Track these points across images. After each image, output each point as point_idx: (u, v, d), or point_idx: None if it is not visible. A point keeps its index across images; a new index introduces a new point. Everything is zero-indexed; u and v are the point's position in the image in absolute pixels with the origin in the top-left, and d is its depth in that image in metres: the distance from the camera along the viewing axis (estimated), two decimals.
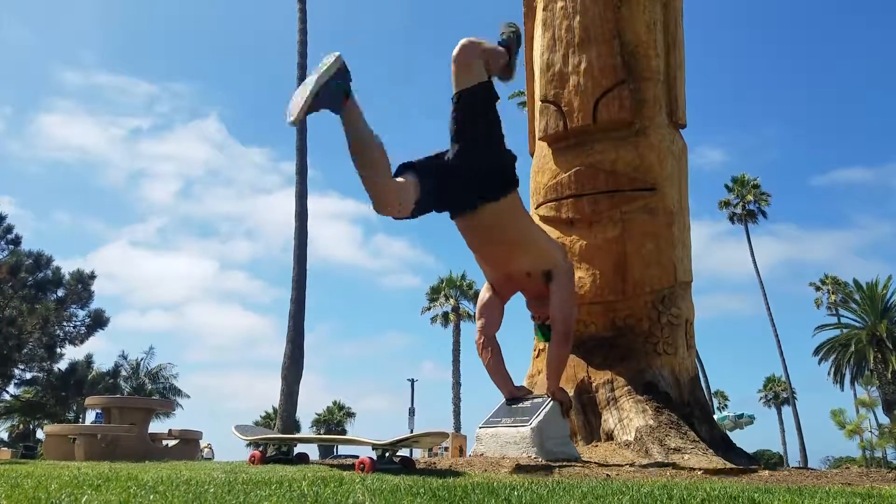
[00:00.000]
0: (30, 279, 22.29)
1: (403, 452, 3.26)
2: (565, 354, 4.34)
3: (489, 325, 4.53)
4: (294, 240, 19.80)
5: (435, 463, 3.89)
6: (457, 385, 37.90)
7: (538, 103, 5.51)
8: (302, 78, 21.30)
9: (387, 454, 3.02)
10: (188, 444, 8.90)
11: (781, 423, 50.94)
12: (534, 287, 4.38)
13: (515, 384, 4.60)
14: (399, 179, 3.52)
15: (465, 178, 3.85)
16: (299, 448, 3.64)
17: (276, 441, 3.38)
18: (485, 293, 4.59)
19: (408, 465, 3.21)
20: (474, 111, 3.81)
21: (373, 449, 2.99)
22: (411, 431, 3.18)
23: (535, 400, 4.36)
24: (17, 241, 22.90)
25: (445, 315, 39.99)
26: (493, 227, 4.04)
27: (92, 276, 23.87)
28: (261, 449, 3.38)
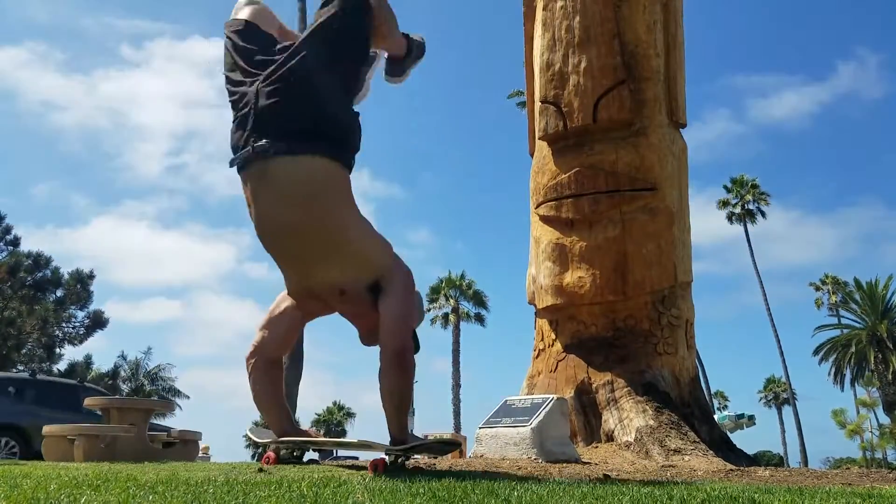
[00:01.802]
0: (29, 279, 22.30)
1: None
2: (403, 384, 2.91)
3: (270, 343, 3.20)
4: None
5: (435, 463, 3.89)
6: (457, 385, 37.88)
7: (538, 103, 5.50)
8: None
9: (399, 459, 3.00)
10: (187, 445, 8.88)
11: (782, 423, 50.96)
12: (354, 308, 3.08)
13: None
14: None
15: (279, 100, 2.79)
16: (309, 455, 3.65)
17: (289, 445, 3.39)
18: (282, 300, 3.23)
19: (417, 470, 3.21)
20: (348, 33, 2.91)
21: (386, 454, 2.98)
22: (411, 432, 3.09)
23: (535, 400, 4.36)
24: (16, 242, 22.92)
25: (445, 316, 39.97)
26: (299, 206, 2.82)
27: (91, 276, 23.90)
28: (273, 449, 3.39)
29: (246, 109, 2.85)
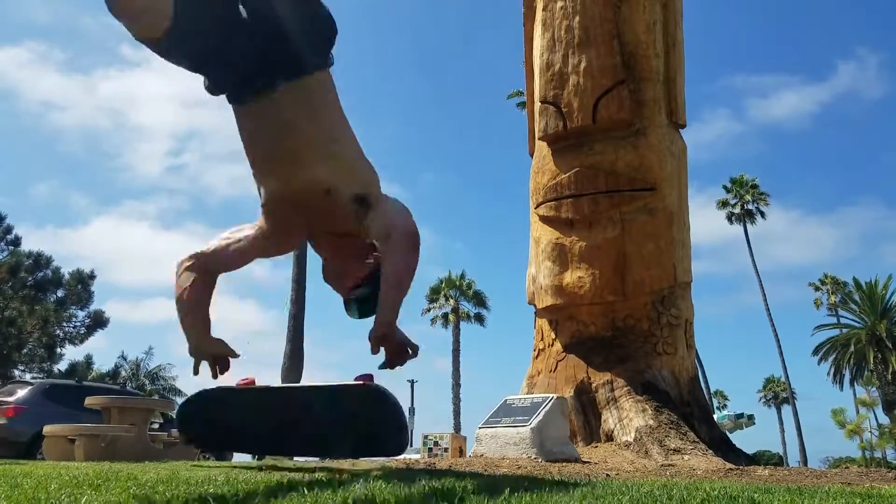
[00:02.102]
0: (30, 279, 22.31)
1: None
2: (411, 264, 2.84)
3: (218, 254, 3.04)
4: None
5: (435, 463, 3.90)
6: (457, 385, 37.90)
7: (538, 103, 5.51)
8: None
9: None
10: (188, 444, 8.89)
11: (781, 423, 51.02)
12: (332, 221, 2.99)
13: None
14: None
15: (270, 33, 2.76)
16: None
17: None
18: (246, 227, 3.13)
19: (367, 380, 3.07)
20: None
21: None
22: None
23: (535, 400, 4.37)
24: (16, 242, 22.93)
25: (445, 316, 39.96)
26: (293, 119, 2.84)
27: (91, 277, 23.91)
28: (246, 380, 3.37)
29: (221, 46, 2.77)
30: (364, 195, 2.89)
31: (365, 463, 3.16)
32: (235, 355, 3.03)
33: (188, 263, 2.99)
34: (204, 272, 3.00)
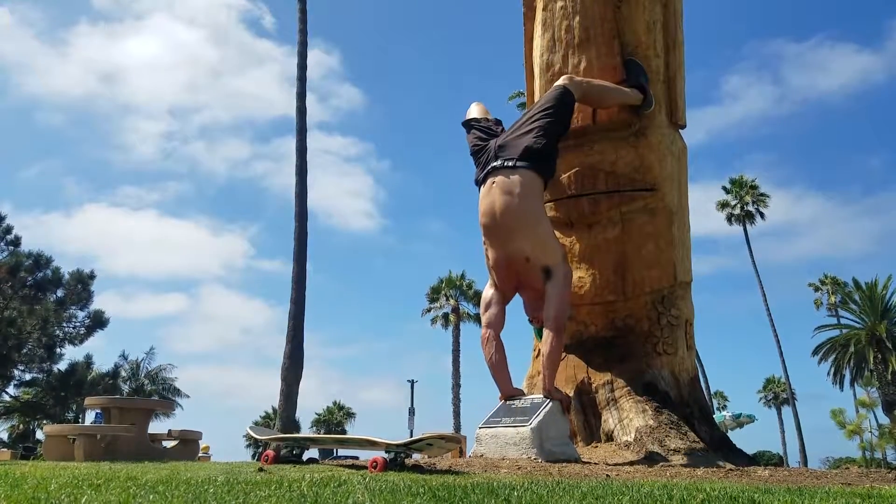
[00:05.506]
0: (29, 279, 22.30)
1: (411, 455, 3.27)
2: (558, 349, 4.38)
3: (495, 321, 4.61)
4: (294, 241, 19.83)
5: (435, 463, 3.89)
6: (457, 385, 37.91)
7: None
8: (303, 79, 21.27)
9: (399, 457, 3.02)
10: (188, 444, 8.88)
11: (781, 423, 51.05)
12: (530, 278, 4.50)
13: (516, 385, 4.60)
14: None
15: (519, 136, 4.66)
16: (309, 454, 3.70)
17: (289, 442, 3.45)
18: (488, 290, 4.74)
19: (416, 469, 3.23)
20: (545, 107, 4.80)
21: (385, 451, 3.00)
22: (411, 432, 3.21)
23: (535, 400, 4.36)
24: (16, 242, 22.92)
25: (445, 316, 39.98)
26: (514, 194, 4.44)
27: (91, 277, 23.91)
28: (273, 448, 3.43)
29: (487, 153, 4.76)
30: (549, 267, 4.41)
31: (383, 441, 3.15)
32: (524, 393, 4.61)
33: (488, 333, 4.59)
34: (495, 335, 4.59)
